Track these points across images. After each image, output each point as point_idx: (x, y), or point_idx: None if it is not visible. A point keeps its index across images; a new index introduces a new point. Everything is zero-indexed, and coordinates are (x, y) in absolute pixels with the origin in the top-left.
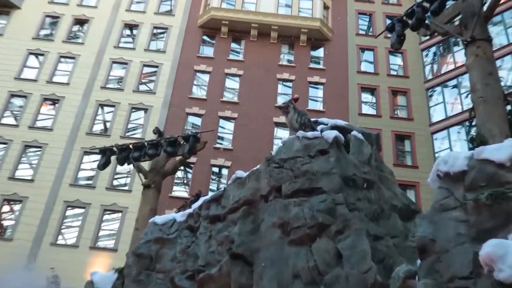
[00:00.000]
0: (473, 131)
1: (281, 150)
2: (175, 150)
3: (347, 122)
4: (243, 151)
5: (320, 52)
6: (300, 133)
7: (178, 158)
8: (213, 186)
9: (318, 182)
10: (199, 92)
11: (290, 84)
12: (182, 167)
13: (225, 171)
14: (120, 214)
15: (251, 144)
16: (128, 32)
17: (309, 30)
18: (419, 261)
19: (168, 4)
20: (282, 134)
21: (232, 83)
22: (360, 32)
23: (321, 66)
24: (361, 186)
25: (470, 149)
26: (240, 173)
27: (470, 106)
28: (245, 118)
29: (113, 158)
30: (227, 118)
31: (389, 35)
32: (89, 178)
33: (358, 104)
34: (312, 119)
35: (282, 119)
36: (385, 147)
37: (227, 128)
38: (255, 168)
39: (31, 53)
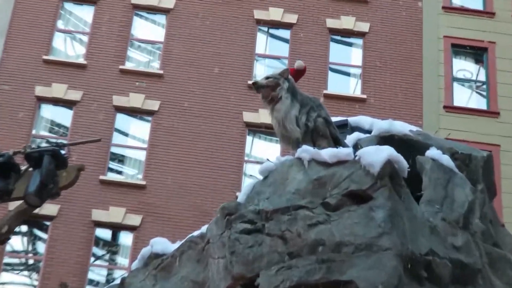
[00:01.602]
0: None
1: (258, 190)
2: (7, 185)
3: (417, 128)
4: (172, 191)
5: None
6: (306, 150)
7: (16, 204)
8: (97, 273)
9: (347, 268)
10: (67, 48)
11: (285, 34)
12: (22, 227)
13: (126, 238)
14: None
15: (189, 175)
16: None
17: None
18: None
19: None
20: (263, 150)
21: (149, 29)
22: None
23: None
24: (446, 278)
25: None
26: (162, 245)
27: None
28: (177, 113)
29: None
30: (134, 112)
31: None
32: None
33: (445, 86)
34: (334, 120)
35: (263, 115)
36: (508, 187)
37: (133, 137)
38: (197, 233)
39: None
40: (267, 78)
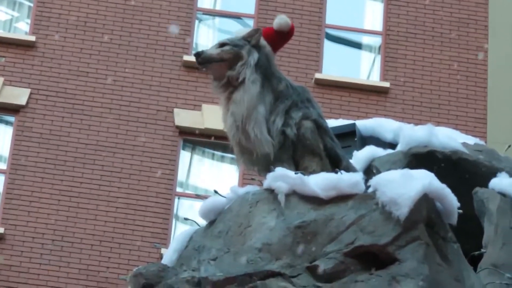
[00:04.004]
0: None
1: (199, 245)
2: None
3: (477, 141)
4: (47, 245)
5: None
6: (282, 177)
7: None
8: None
9: None
10: None
11: None
12: None
13: None
14: None
15: (79, 218)
16: None
17: None
18: None
19: None
20: (207, 174)
21: None
22: None
23: None
24: None
25: None
26: None
27: None
28: (60, 110)
29: None
30: None
31: None
32: None
33: None
34: (332, 124)
35: (211, 115)
36: None
37: None
38: None
39: None
40: (221, 45)
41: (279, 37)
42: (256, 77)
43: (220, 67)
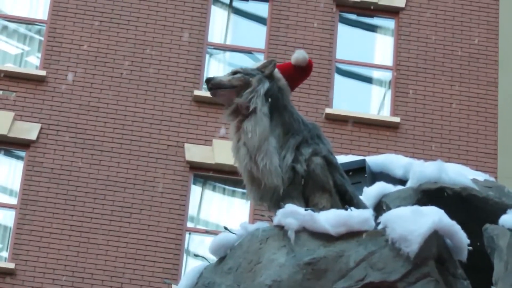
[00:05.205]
0: None
1: (209, 282)
2: None
3: (487, 177)
4: (58, 281)
5: None
6: (292, 213)
7: None
8: None
9: None
10: None
11: (259, 8)
12: None
13: None
14: None
15: (90, 254)
16: None
17: None
18: None
19: None
20: (218, 210)
21: (24, 1)
22: None
23: None
24: None
25: None
26: None
27: None
28: (70, 145)
29: None
30: None
31: None
32: None
33: None
34: (342, 160)
35: (221, 150)
36: None
37: None
38: None
39: None
40: (234, 73)
41: (297, 72)
42: (266, 107)
43: (229, 94)
